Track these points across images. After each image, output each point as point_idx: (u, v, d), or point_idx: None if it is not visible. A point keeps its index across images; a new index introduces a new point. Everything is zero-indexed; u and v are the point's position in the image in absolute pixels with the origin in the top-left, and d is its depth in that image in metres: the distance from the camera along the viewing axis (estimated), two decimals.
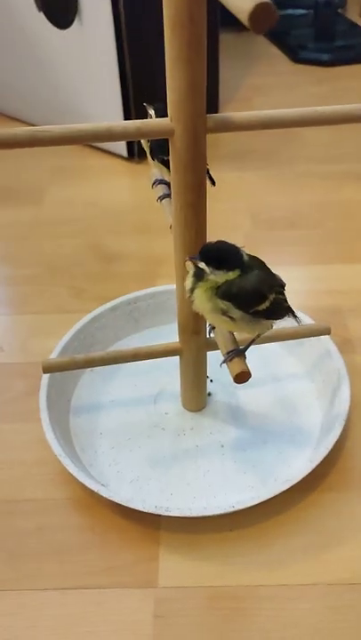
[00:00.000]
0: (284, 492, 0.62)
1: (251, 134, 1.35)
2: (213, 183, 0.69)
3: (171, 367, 0.73)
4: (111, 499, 0.62)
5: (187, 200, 0.54)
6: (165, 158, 0.61)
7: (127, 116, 1.20)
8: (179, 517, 0.61)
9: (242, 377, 0.51)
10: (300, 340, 0.79)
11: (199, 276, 0.50)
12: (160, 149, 0.62)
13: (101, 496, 0.62)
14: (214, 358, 0.71)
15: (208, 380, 0.76)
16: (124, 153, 1.25)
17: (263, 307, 0.51)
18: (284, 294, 0.55)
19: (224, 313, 0.50)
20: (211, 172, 0.58)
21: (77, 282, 0.97)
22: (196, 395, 0.73)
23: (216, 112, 1.43)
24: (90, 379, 0.79)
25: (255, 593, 0.59)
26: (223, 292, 0.49)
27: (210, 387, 0.76)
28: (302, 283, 0.93)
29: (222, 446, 0.71)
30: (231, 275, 0.49)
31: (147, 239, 1.06)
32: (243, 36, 1.77)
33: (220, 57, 1.38)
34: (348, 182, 1.17)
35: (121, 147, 1.24)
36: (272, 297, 0.52)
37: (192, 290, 0.51)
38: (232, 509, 0.60)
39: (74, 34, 1.15)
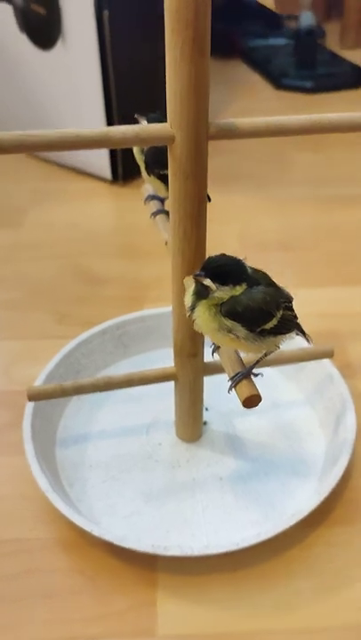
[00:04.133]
0: (289, 527, 0.57)
1: (240, 158, 1.34)
2: (209, 199, 0.66)
3: (164, 394, 0.69)
4: (103, 537, 0.56)
5: (186, 211, 0.50)
6: (162, 173, 0.58)
7: None
8: (178, 557, 0.56)
9: (252, 401, 0.47)
10: (299, 365, 0.75)
11: (201, 293, 0.46)
12: (156, 163, 0.59)
13: (92, 535, 0.57)
14: (210, 385, 0.67)
15: (204, 409, 0.72)
16: (108, 176, 1.22)
17: (271, 325, 0.47)
18: (292, 309, 0.51)
19: (229, 331, 0.46)
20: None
21: (61, 306, 0.92)
22: (192, 424, 0.69)
23: None
24: (77, 407, 0.74)
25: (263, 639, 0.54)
26: (228, 311, 0.46)
27: (205, 415, 0.72)
28: (297, 306, 0.89)
29: (221, 479, 0.66)
30: (238, 289, 0.45)
31: (133, 262, 1.03)
32: (226, 64, 1.77)
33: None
34: (339, 205, 1.15)
35: (105, 169, 1.21)
36: (280, 314, 0.48)
37: (192, 308, 0.47)
38: (236, 547, 0.55)
39: (57, 55, 1.13)
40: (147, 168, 0.59)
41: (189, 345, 0.60)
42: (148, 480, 0.66)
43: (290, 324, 0.50)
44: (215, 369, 0.62)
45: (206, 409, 0.73)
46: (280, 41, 1.83)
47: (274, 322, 0.47)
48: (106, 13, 1.04)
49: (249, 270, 0.46)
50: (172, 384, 0.65)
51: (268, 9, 1.97)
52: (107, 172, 1.22)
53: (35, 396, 0.62)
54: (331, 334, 0.84)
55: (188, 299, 0.48)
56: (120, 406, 0.75)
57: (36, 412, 0.67)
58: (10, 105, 1.28)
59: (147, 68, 1.10)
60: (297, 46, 1.68)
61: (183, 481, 0.66)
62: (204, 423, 0.71)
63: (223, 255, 0.46)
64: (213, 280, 0.45)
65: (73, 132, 0.46)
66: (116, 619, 0.55)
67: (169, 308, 0.58)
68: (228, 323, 0.45)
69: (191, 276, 0.46)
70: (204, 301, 0.46)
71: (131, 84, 1.12)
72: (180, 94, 0.46)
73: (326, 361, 0.72)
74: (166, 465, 0.67)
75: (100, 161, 1.21)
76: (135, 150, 0.59)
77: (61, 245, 1.07)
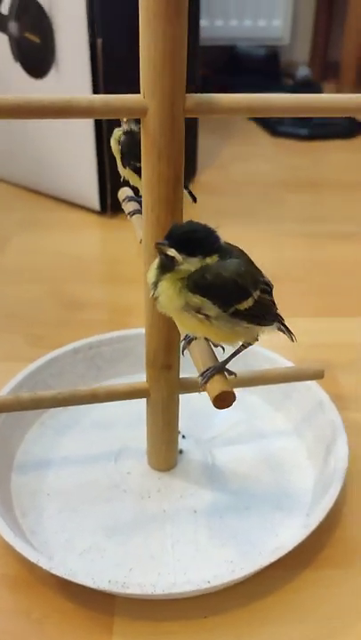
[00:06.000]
0: (271, 566, 0.50)
1: (232, 198, 1.31)
2: (194, 200, 0.61)
3: (135, 420, 0.62)
4: (53, 572, 0.48)
5: (160, 194, 0.45)
6: (138, 165, 0.53)
7: (101, 171, 1.15)
8: (138, 597, 0.48)
9: (224, 399, 0.40)
10: (287, 392, 0.69)
11: (166, 267, 0.40)
12: (132, 155, 0.55)
13: (41, 569, 0.49)
14: (188, 409, 0.60)
15: (180, 436, 0.65)
16: (97, 207, 1.19)
17: (245, 305, 0.41)
18: (271, 294, 0.45)
19: (197, 311, 0.40)
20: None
21: (36, 329, 0.86)
22: (165, 449, 0.61)
23: (194, 177, 1.40)
24: (40, 431, 0.67)
25: None
26: (195, 283, 0.39)
27: (182, 444, 0.65)
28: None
29: (195, 512, 0.58)
30: (208, 262, 0.39)
31: (116, 289, 0.98)
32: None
33: (200, 127, 1.37)
34: (330, 241, 1.12)
35: (94, 201, 1.18)
36: (257, 294, 0.42)
37: (156, 284, 0.41)
38: (207, 586, 0.47)
39: (50, 83, 1.11)
40: (122, 159, 0.55)
41: (163, 355, 0.54)
42: (112, 511, 0.58)
43: (268, 311, 0.43)
44: (192, 385, 0.56)
45: (183, 436, 0.66)
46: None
47: (250, 302, 0.41)
48: (99, 41, 1.03)
49: (222, 241, 0.41)
50: (145, 408, 0.58)
51: (267, 63, 2.01)
52: (95, 203, 1.18)
53: None
54: (323, 365, 0.78)
55: (152, 274, 0.41)
56: (88, 433, 0.68)
57: None
58: (1, 132, 1.27)
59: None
60: None
61: (152, 513, 0.58)
62: (180, 452, 0.64)
63: (191, 222, 0.40)
64: (179, 250, 0.39)
65: (35, 98, 0.42)
66: None
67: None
68: (197, 299, 0.39)
69: (153, 245, 0.39)
70: (168, 275, 0.40)
71: None
72: (155, 59, 0.42)
73: (316, 387, 0.66)
74: (135, 495, 0.60)
75: (88, 192, 1.18)
76: (112, 141, 0.56)
77: (44, 271, 1.02)
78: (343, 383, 0.76)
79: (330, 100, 0.45)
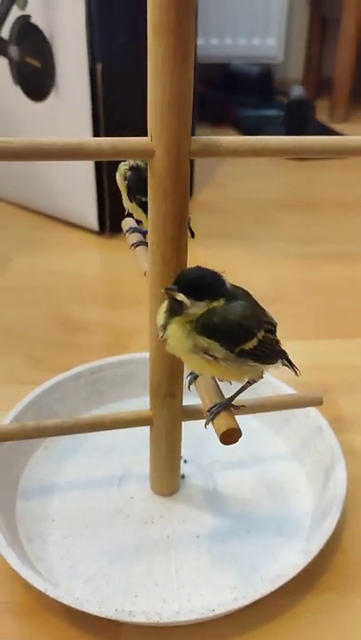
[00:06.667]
0: (273, 593, 0.51)
1: (229, 219, 1.33)
2: (193, 235, 0.63)
3: (138, 445, 0.63)
4: (60, 600, 0.49)
5: (166, 233, 0.47)
6: (144, 200, 0.55)
7: (100, 192, 1.16)
8: (145, 625, 0.49)
9: (231, 435, 0.42)
10: (286, 417, 0.70)
11: (175, 311, 0.42)
12: (138, 189, 0.56)
13: (48, 597, 0.50)
14: (190, 434, 0.61)
15: (182, 461, 0.66)
16: (96, 227, 1.20)
17: (250, 345, 0.42)
18: (275, 333, 0.46)
19: (205, 352, 0.41)
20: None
21: (36, 351, 0.87)
22: (168, 475, 0.62)
23: (190, 196, 1.41)
24: (44, 456, 0.68)
25: None
26: (203, 325, 0.40)
27: (184, 468, 0.66)
28: None
29: (198, 537, 0.59)
30: (215, 305, 0.41)
31: (116, 310, 0.99)
32: (217, 131, 1.81)
33: None
34: (325, 262, 1.13)
35: (92, 221, 1.20)
36: (261, 334, 0.43)
37: (165, 327, 0.42)
38: (212, 614, 0.48)
39: (50, 106, 1.13)
40: (128, 194, 0.56)
41: (167, 384, 0.55)
42: (116, 537, 0.59)
43: (272, 350, 0.45)
44: (195, 413, 0.57)
45: (185, 461, 0.67)
46: (272, 112, 1.88)
47: (254, 342, 0.42)
48: (99, 66, 1.05)
49: (228, 285, 0.42)
50: (148, 434, 0.59)
51: (261, 81, 2.04)
52: (94, 223, 1.20)
53: None
54: (321, 387, 0.79)
55: (160, 317, 0.43)
56: (91, 457, 0.69)
57: None
58: None
59: (139, 121, 1.10)
60: (287, 115, 1.72)
61: (156, 539, 0.59)
62: (182, 476, 0.65)
63: (199, 267, 0.42)
64: (188, 295, 0.40)
65: (46, 141, 0.43)
66: None
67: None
68: (204, 341, 0.40)
69: (162, 290, 0.41)
70: (177, 318, 0.41)
71: (122, 134, 1.12)
72: (162, 105, 0.43)
73: (315, 412, 0.67)
74: (138, 520, 0.61)
75: (87, 212, 1.20)
76: (118, 176, 0.57)
77: (43, 291, 1.04)
78: (342, 405, 0.77)
79: (329, 143, 0.47)
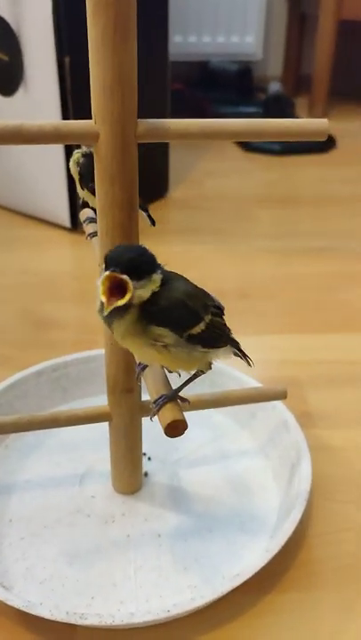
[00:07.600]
0: (234, 591, 0.49)
1: (202, 214, 1.32)
2: (153, 223, 0.61)
3: (102, 442, 0.61)
4: (10, 604, 0.47)
5: (114, 219, 0.45)
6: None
7: (71, 188, 1.14)
8: (98, 628, 0.47)
9: (175, 428, 0.40)
10: (252, 411, 0.68)
11: (119, 313, 0.38)
12: (91, 176, 0.54)
13: (0, 601, 0.48)
14: (153, 431, 0.59)
15: (145, 458, 0.65)
16: (67, 224, 1.18)
17: (198, 329, 0.40)
18: (222, 317, 0.45)
19: (155, 339, 0.39)
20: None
21: (4, 349, 0.85)
22: (129, 473, 0.61)
23: (166, 193, 1.40)
24: (3, 455, 0.66)
25: None
26: (150, 314, 0.38)
27: (147, 465, 0.64)
28: (256, 352, 0.83)
29: (159, 536, 0.57)
30: (155, 279, 0.39)
31: (86, 308, 0.97)
32: None
33: (171, 143, 1.37)
34: (298, 257, 1.12)
35: (64, 217, 1.18)
36: (208, 318, 0.42)
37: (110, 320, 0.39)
38: (167, 615, 0.47)
39: (19, 101, 1.11)
40: (81, 181, 0.55)
41: (124, 379, 0.53)
42: (74, 537, 0.57)
43: (221, 334, 0.43)
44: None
45: (149, 458, 0.65)
46: (250, 109, 1.86)
47: (202, 326, 0.41)
48: (67, 59, 1.03)
49: (158, 263, 0.40)
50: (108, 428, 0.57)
51: (240, 79, 2.03)
52: (65, 219, 1.18)
53: None
54: (290, 382, 0.78)
55: (99, 302, 0.40)
56: (53, 455, 0.67)
57: None
58: None
59: None
60: (265, 111, 1.71)
61: (115, 538, 0.57)
62: (145, 474, 0.63)
63: (122, 245, 0.40)
64: (131, 277, 0.38)
65: None
66: None
67: None
68: (154, 329, 0.38)
69: (101, 277, 0.38)
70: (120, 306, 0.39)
71: None
72: (104, 86, 0.42)
73: (281, 407, 0.66)
74: (98, 520, 0.59)
75: (59, 209, 1.18)
76: (71, 163, 0.55)
77: (12, 290, 1.01)
78: (311, 401, 0.76)
79: (282, 126, 0.45)
